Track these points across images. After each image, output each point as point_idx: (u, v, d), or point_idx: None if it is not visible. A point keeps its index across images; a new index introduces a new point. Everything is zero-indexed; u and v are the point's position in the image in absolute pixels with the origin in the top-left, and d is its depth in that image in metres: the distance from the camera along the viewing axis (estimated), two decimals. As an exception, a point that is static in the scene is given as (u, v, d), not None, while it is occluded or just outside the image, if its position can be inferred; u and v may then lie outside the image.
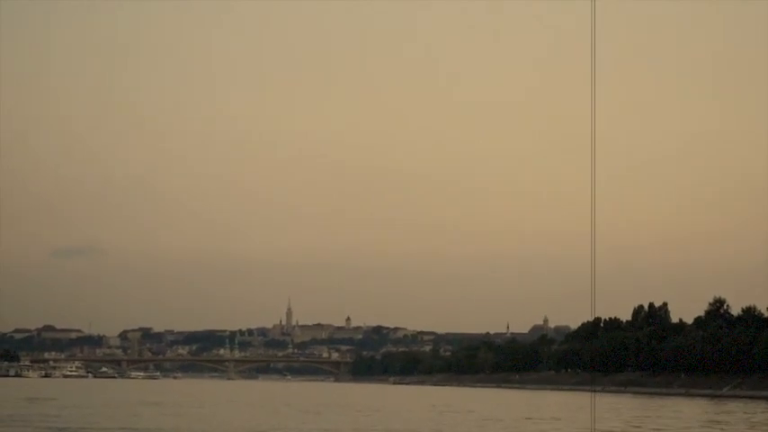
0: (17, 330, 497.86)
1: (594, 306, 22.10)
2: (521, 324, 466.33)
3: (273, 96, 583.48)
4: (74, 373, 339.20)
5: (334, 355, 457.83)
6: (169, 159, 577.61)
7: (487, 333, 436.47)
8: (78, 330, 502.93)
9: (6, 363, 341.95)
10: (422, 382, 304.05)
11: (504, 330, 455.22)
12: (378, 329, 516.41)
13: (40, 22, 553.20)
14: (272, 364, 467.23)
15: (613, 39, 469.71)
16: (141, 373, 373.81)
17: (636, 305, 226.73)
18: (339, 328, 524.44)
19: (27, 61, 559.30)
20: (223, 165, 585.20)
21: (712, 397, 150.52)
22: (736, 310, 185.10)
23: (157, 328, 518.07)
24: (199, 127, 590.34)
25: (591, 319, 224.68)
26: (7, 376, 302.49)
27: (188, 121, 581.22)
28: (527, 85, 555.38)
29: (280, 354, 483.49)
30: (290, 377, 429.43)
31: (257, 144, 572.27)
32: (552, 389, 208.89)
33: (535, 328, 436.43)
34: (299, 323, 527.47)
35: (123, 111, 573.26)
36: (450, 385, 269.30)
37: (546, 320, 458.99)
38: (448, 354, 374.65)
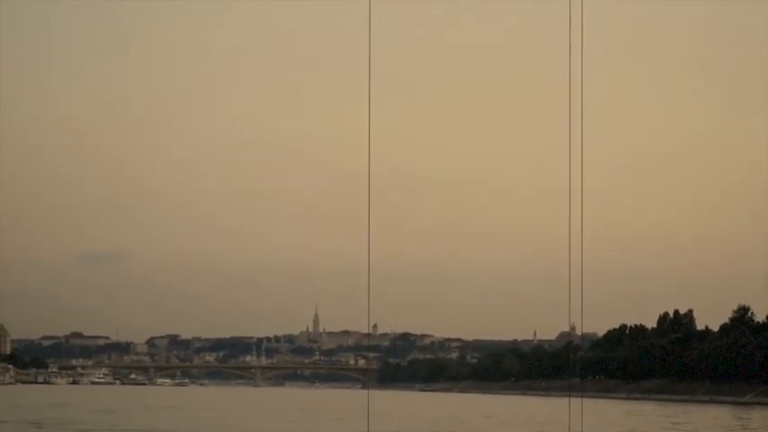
0: (45, 337, 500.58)
1: (582, 315, 22.27)
2: (548, 331, 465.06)
3: (284, 99, 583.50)
4: (101, 380, 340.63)
5: (361, 363, 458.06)
6: (194, 168, 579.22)
7: (515, 340, 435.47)
8: (106, 337, 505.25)
9: (35, 369, 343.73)
10: (448, 390, 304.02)
11: (531, 337, 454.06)
12: (405, 336, 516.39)
13: (40, 22, 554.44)
14: (298, 371, 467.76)
15: (606, 39, 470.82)
16: (168, 380, 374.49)
17: (661, 312, 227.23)
18: (366, 335, 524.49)
19: (27, 61, 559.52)
20: (249, 172, 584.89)
21: (735, 404, 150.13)
22: (760, 318, 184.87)
23: (185, 335, 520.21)
24: (213, 132, 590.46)
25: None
26: (36, 383, 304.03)
27: (203, 126, 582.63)
28: (529, 85, 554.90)
29: (306, 361, 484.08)
30: (318, 384, 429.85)
31: (281, 150, 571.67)
32: (577, 396, 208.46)
33: (562, 335, 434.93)
34: (326, 330, 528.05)
35: (136, 113, 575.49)
36: (476, 392, 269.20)
37: (573, 327, 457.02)
38: (474, 361, 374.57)
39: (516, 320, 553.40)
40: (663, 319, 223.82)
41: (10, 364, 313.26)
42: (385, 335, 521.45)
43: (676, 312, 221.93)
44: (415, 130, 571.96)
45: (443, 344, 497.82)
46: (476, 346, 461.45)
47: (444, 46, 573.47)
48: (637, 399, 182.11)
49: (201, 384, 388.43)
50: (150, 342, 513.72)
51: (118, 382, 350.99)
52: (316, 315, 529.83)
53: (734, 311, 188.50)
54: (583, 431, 32.72)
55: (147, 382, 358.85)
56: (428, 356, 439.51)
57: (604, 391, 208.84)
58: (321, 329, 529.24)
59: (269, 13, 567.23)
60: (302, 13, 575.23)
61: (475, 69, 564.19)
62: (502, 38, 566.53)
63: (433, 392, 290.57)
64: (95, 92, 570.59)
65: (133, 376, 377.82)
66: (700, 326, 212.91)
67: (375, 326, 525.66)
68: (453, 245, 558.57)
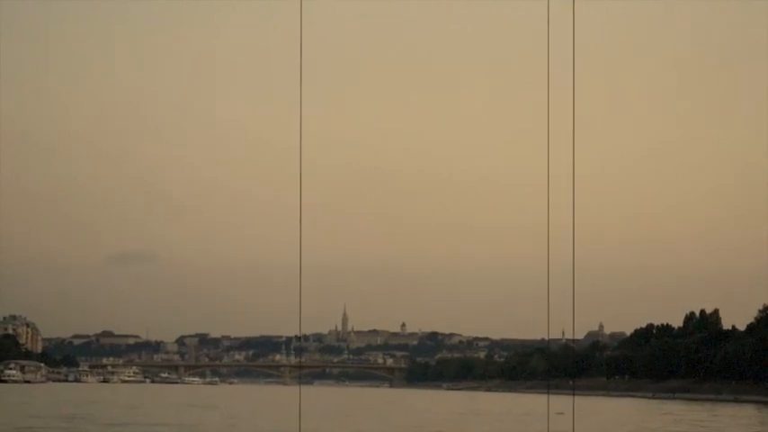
0: (76, 336, 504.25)
1: (574, 318, 23.53)
2: (576, 330, 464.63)
3: (302, 102, 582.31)
4: (131, 379, 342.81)
5: (389, 361, 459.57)
6: (223, 170, 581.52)
7: (542, 339, 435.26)
8: (136, 336, 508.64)
9: (66, 368, 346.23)
10: (475, 389, 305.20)
11: (559, 336, 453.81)
12: (433, 335, 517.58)
13: (40, 22, 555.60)
14: (327, 370, 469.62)
15: (604, 39, 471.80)
16: (198, 379, 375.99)
17: (688, 312, 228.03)
18: (394, 334, 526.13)
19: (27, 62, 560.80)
20: (275, 175, 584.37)
21: (760, 403, 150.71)
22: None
23: (214, 333, 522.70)
24: (238, 134, 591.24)
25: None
26: (66, 381, 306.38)
27: (228, 127, 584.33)
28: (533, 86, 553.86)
29: (335, 359, 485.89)
30: (348, 383, 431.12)
31: (297, 151, 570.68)
32: (603, 395, 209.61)
33: (590, 335, 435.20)
34: (355, 329, 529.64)
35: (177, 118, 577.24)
36: (503, 391, 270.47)
37: (601, 327, 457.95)
38: (502, 360, 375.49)
39: (544, 319, 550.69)
40: (689, 318, 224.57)
41: (42, 362, 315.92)
42: (413, 334, 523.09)
43: (702, 312, 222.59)
44: (433, 130, 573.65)
45: (471, 343, 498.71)
46: (503, 345, 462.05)
47: (438, 45, 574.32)
48: (662, 398, 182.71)
49: (231, 383, 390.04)
50: (180, 341, 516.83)
51: (148, 380, 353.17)
52: (344, 314, 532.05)
53: (759, 311, 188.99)
54: (574, 429, 34.07)
55: (177, 380, 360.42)
56: (456, 355, 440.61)
57: (630, 390, 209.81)
58: (350, 328, 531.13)
59: (270, 13, 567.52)
60: (303, 13, 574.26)
61: (473, 70, 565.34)
62: (496, 37, 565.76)
63: (459, 391, 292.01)
64: (120, 94, 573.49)
65: (165, 375, 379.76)
66: (726, 325, 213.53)
67: (404, 325, 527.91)
68: (482, 244, 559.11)
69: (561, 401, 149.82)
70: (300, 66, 24.90)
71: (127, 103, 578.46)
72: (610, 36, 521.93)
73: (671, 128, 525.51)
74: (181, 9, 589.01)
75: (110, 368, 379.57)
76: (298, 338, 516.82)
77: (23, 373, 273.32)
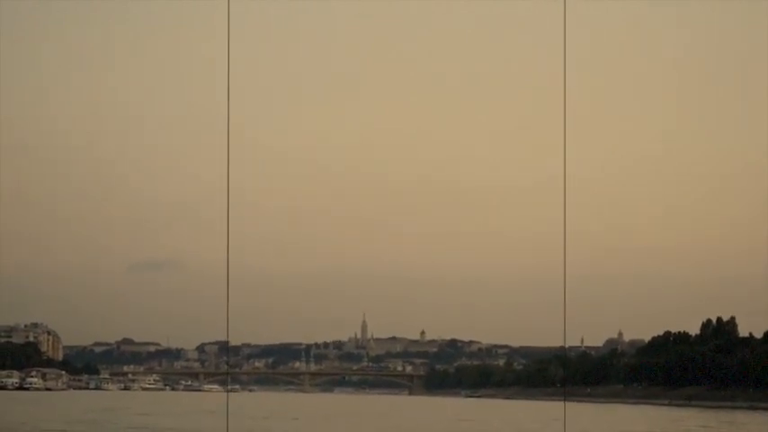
0: (97, 344, 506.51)
1: (565, 325, 24.99)
2: (595, 338, 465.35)
3: (326, 112, 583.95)
4: (152, 386, 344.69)
5: (409, 369, 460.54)
6: (241, 181, 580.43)
7: (561, 347, 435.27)
8: (156, 344, 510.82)
9: (87, 375, 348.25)
10: (493, 396, 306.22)
11: (578, 344, 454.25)
12: (452, 343, 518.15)
13: (40, 22, 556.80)
14: (346, 378, 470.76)
15: (603, 41, 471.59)
16: (217, 386, 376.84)
17: (704, 319, 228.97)
18: (414, 342, 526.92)
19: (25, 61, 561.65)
20: (294, 181, 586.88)
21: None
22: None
23: (234, 341, 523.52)
24: (256, 146, 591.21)
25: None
26: (87, 389, 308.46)
27: (250, 140, 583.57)
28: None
29: (354, 367, 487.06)
30: (367, 390, 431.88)
31: (318, 162, 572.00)
32: (618, 402, 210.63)
33: (609, 342, 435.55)
34: (374, 337, 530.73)
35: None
36: (521, 399, 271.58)
37: (620, 334, 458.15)
38: (521, 367, 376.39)
39: (562, 327, 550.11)
40: (705, 326, 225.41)
41: (63, 370, 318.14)
42: (433, 341, 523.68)
43: (719, 319, 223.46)
44: (453, 138, 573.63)
45: (491, 350, 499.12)
46: (522, 352, 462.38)
47: (436, 46, 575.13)
48: (677, 405, 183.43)
49: (251, 390, 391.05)
50: (200, 348, 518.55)
51: (168, 387, 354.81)
52: (364, 321, 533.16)
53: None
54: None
55: (198, 388, 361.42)
56: (475, 363, 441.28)
57: (646, 398, 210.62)
58: (369, 336, 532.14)
59: (272, 14, 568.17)
60: (304, 15, 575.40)
61: (468, 72, 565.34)
62: (491, 39, 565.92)
63: (478, 399, 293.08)
64: (141, 102, 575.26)
65: (190, 383, 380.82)
66: (743, 333, 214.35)
67: (423, 332, 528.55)
68: (500, 252, 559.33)
69: (569, 408, 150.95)
70: (228, 64, 25.94)
71: (129, 104, 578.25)
72: (608, 37, 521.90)
73: (684, 130, 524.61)
74: (181, 9, 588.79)
75: (130, 376, 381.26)
76: (317, 346, 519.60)
77: (45, 380, 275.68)
